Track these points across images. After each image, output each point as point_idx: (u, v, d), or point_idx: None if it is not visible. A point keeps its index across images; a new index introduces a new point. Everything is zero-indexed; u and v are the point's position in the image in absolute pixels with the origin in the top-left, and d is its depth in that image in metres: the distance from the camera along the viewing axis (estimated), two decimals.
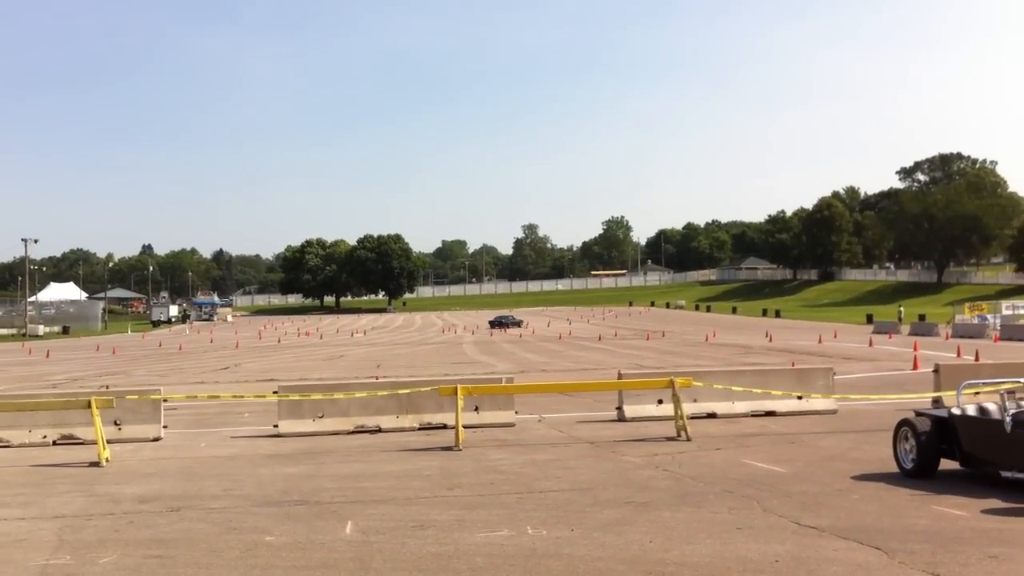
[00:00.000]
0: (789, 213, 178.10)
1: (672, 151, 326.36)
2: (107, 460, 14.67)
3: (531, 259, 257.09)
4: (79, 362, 49.35)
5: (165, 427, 17.57)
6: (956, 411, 11.71)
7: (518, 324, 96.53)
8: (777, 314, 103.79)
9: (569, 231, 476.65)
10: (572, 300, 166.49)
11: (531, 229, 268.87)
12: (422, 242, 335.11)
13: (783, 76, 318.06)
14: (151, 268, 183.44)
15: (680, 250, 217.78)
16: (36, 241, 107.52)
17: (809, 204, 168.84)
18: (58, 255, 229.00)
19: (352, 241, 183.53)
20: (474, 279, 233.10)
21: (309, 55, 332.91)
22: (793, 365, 28.86)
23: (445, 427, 17.00)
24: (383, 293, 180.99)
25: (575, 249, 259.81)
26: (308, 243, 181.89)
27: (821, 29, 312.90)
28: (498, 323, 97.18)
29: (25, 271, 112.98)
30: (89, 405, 15.31)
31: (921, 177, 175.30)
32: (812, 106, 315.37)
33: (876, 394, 21.74)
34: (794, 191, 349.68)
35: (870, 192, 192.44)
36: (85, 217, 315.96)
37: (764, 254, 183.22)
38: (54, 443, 16.78)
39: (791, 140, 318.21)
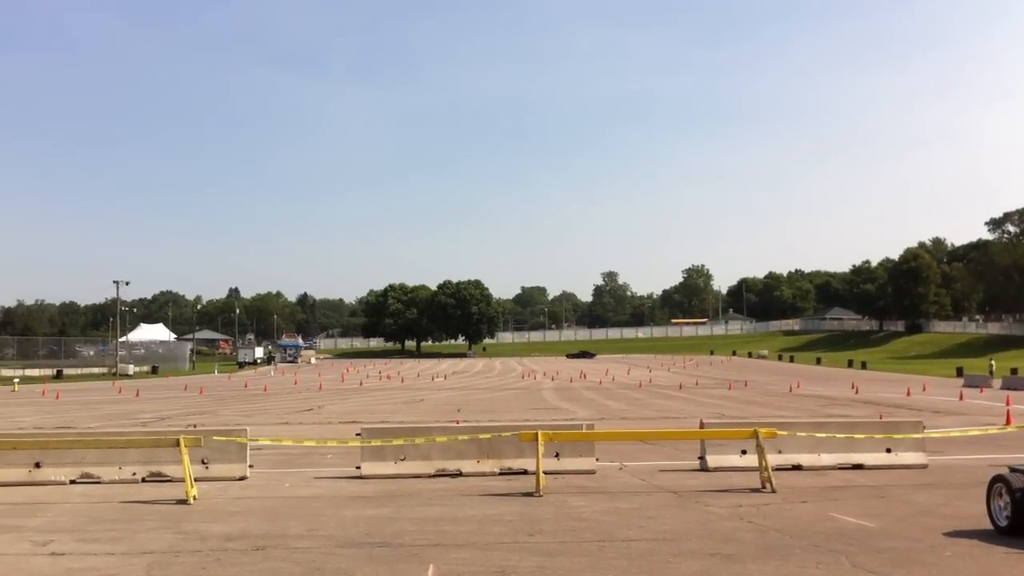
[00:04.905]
0: (874, 263, 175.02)
1: (753, 200, 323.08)
2: (194, 498, 14.95)
3: (610, 306, 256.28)
4: (167, 401, 50.36)
5: (251, 467, 17.81)
6: None
7: (591, 356, 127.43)
8: (863, 365, 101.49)
9: (649, 279, 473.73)
10: (652, 348, 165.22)
11: (611, 276, 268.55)
12: (502, 288, 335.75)
13: (867, 126, 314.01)
14: (238, 311, 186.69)
15: (762, 299, 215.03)
16: (127, 283, 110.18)
17: (893, 255, 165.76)
18: (148, 297, 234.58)
19: (433, 286, 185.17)
20: (554, 325, 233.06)
21: (388, 102, 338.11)
22: (881, 417, 28.19)
23: (525, 472, 16.96)
24: (463, 338, 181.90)
25: (655, 297, 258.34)
26: (390, 288, 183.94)
27: (908, 79, 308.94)
28: (578, 355, 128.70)
29: (116, 312, 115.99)
30: (178, 444, 15.63)
31: (1011, 228, 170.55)
32: (897, 156, 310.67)
33: (969, 448, 21.13)
34: (878, 241, 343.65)
35: (957, 243, 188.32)
36: (175, 261, 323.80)
37: (849, 304, 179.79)
38: (143, 480, 17.11)
39: (875, 190, 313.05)
